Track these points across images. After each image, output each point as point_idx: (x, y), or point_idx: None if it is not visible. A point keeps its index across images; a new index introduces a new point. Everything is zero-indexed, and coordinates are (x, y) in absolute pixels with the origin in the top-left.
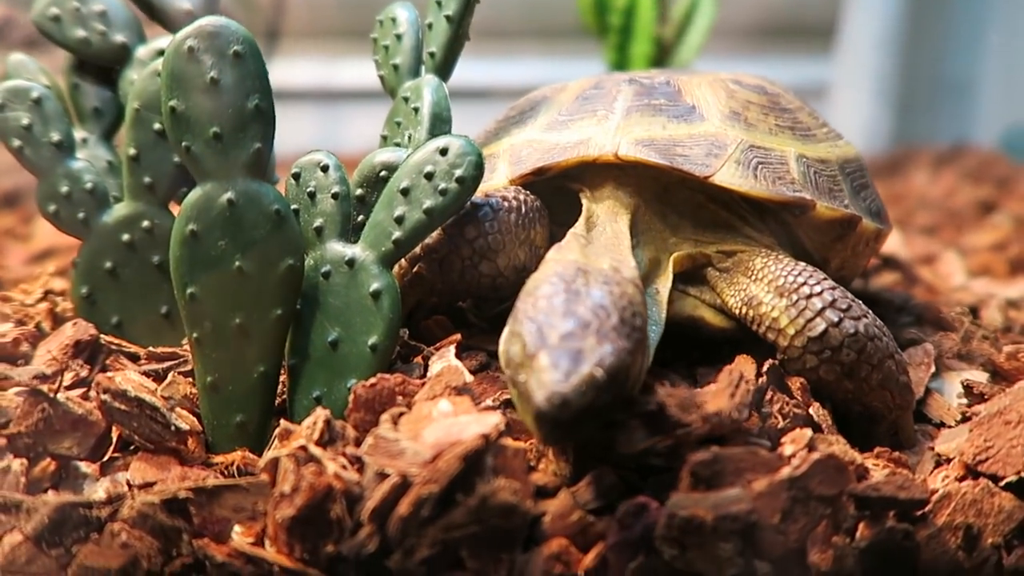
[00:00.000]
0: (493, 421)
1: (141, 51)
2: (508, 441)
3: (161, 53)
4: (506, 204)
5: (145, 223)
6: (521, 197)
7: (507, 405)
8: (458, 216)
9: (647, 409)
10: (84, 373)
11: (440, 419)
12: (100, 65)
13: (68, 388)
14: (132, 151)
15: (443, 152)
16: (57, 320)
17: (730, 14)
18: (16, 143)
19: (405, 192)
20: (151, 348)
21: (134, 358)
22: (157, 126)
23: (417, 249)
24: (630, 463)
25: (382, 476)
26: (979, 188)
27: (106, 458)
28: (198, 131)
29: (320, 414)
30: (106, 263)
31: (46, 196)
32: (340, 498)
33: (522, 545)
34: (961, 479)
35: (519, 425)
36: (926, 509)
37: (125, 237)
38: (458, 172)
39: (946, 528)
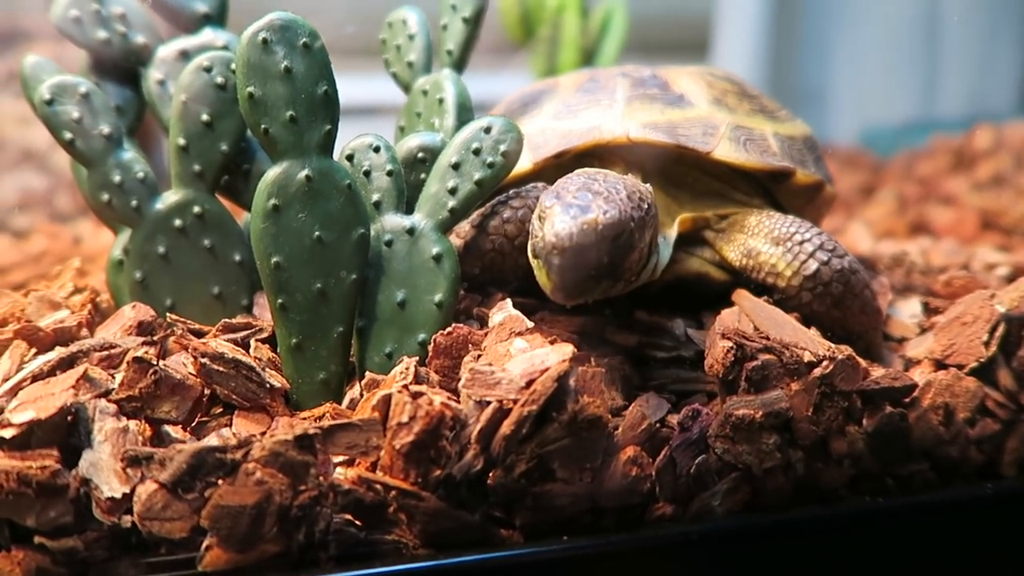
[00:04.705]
0: (569, 349)
1: (162, 51)
2: (585, 365)
3: (185, 54)
4: None
5: (196, 209)
6: None
7: None
8: (499, 216)
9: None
10: (153, 351)
11: (519, 354)
12: (120, 65)
13: None
14: (181, 141)
15: (487, 130)
16: (99, 310)
17: None
18: (67, 136)
19: (456, 167)
20: (226, 320)
21: (198, 334)
22: (205, 117)
23: (460, 247)
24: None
25: (482, 404)
26: (857, 175)
27: (195, 423)
28: (275, 114)
29: (409, 361)
30: (159, 248)
31: (98, 186)
32: (449, 424)
33: (601, 455)
34: (935, 372)
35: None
36: (914, 395)
37: (177, 222)
38: (503, 147)
39: (930, 409)
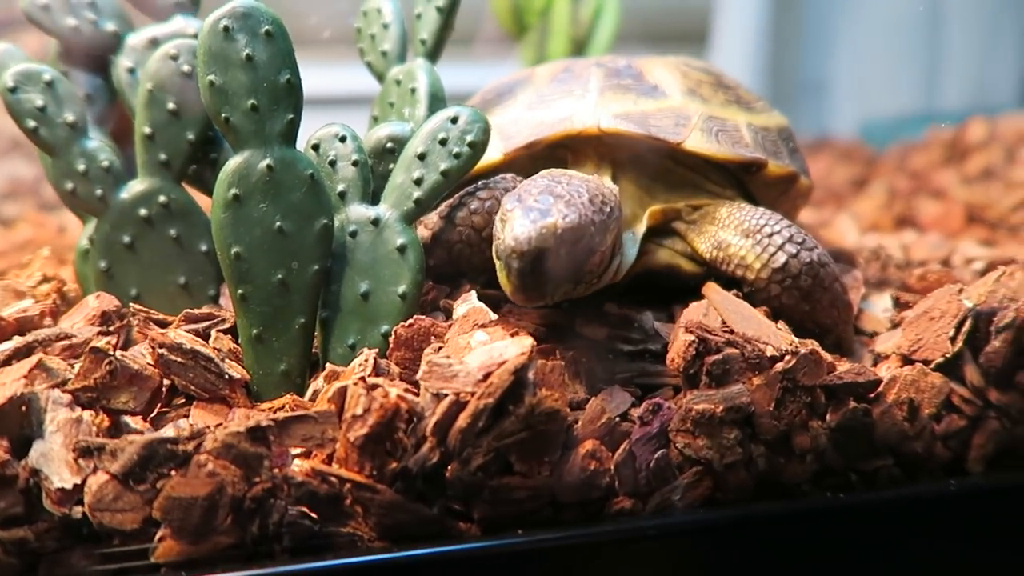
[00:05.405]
0: (528, 342)
1: (132, 39)
2: (544, 359)
3: (155, 42)
4: None
5: (161, 198)
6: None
7: None
8: (466, 208)
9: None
10: (114, 340)
11: (479, 347)
12: (90, 53)
13: None
14: (147, 130)
15: (454, 120)
16: (66, 299)
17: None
18: (31, 124)
19: (422, 157)
20: (188, 310)
21: (163, 324)
22: (171, 105)
23: (428, 239)
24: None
25: (438, 397)
26: (851, 168)
27: (155, 413)
28: (236, 103)
29: (369, 353)
30: (124, 237)
31: (62, 174)
32: (405, 417)
33: (559, 449)
34: (901, 367)
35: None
36: (878, 390)
37: (142, 212)
38: (469, 137)
39: (894, 404)
